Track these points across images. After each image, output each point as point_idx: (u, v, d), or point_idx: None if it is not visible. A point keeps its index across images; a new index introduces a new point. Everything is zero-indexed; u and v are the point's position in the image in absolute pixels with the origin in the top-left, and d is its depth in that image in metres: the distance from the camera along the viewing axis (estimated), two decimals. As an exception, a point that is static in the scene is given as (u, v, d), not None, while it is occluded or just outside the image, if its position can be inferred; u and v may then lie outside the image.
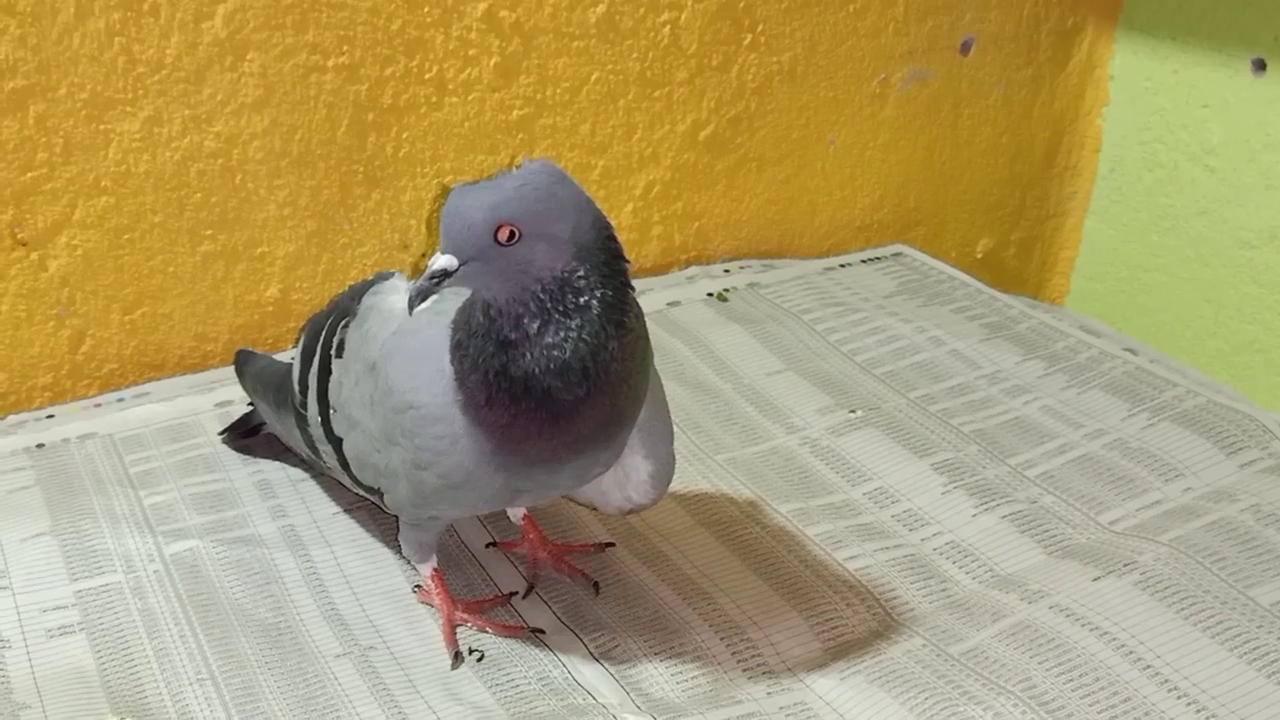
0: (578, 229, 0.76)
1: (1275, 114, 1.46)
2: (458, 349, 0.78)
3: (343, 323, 0.90)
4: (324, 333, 0.92)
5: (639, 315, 0.81)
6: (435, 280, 0.74)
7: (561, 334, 0.75)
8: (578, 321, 0.75)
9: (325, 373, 0.90)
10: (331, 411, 0.90)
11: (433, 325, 0.82)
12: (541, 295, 0.75)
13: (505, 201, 0.73)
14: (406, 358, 0.83)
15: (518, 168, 0.75)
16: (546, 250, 0.74)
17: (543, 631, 0.92)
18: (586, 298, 0.76)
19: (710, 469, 1.11)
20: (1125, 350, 1.30)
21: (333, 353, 0.90)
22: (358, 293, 0.92)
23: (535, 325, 0.75)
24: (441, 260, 0.74)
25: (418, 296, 0.75)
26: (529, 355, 0.75)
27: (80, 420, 1.16)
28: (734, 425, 1.18)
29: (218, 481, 1.07)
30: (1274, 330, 1.51)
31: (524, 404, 0.76)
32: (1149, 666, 0.86)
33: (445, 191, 0.75)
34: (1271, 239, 1.49)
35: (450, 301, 0.82)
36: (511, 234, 0.73)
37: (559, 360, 0.75)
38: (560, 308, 0.75)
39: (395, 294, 0.88)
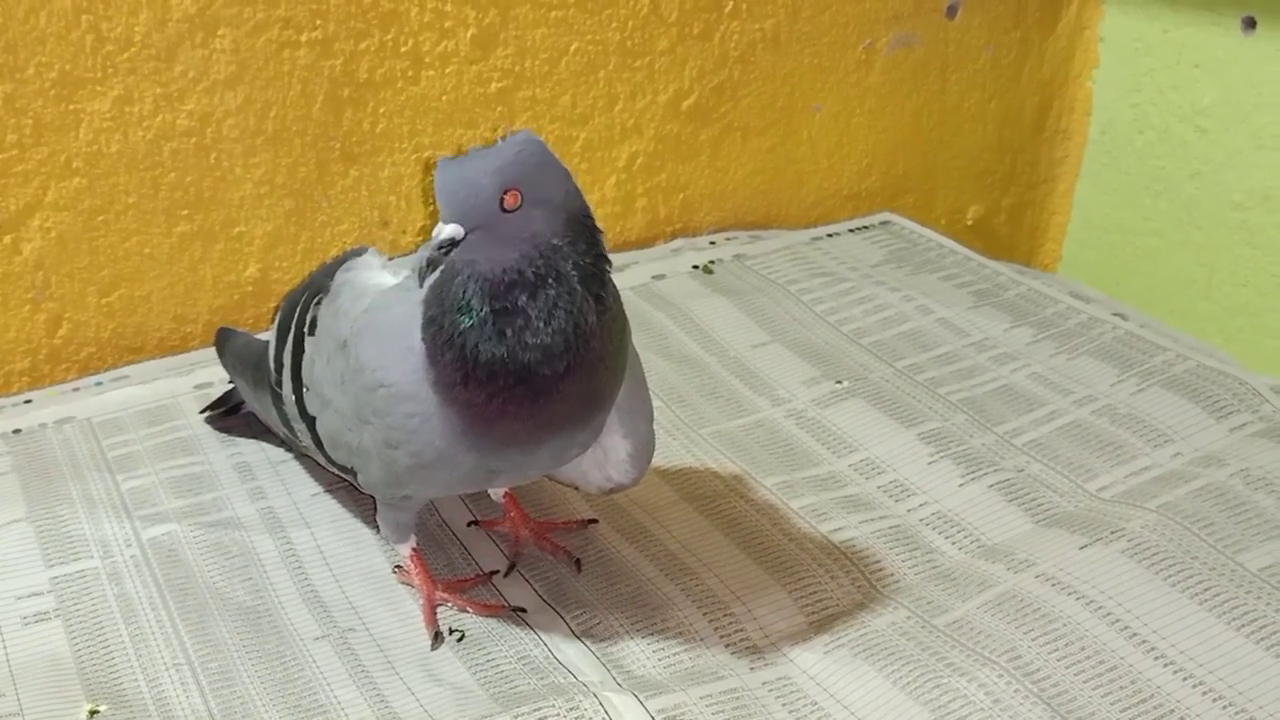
0: (568, 196, 0.76)
1: (1266, 73, 1.44)
2: (430, 325, 0.76)
3: (316, 300, 0.89)
4: (298, 310, 0.91)
5: (615, 293, 0.80)
6: (444, 250, 0.72)
7: (547, 306, 0.74)
8: (564, 292, 0.74)
9: (299, 351, 0.89)
10: (305, 390, 0.88)
11: (403, 302, 0.81)
12: (538, 262, 0.74)
13: (510, 166, 0.72)
14: (377, 335, 0.82)
15: (502, 139, 0.74)
16: (543, 218, 0.74)
17: (524, 610, 0.91)
18: (570, 268, 0.75)
19: (695, 443, 1.10)
20: (1115, 315, 1.29)
21: (306, 330, 0.89)
22: (331, 269, 0.91)
23: (524, 297, 0.74)
24: (448, 229, 0.71)
25: (428, 268, 0.73)
26: (510, 331, 0.74)
27: (58, 405, 1.15)
28: (719, 398, 1.17)
29: (196, 464, 1.06)
30: (1267, 293, 1.50)
31: (501, 381, 0.74)
32: (1136, 635, 0.85)
33: (431, 165, 0.74)
34: (1264, 200, 1.47)
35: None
36: (515, 200, 0.72)
37: (542, 333, 0.74)
38: (551, 277, 0.74)
39: (368, 270, 0.87)
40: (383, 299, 0.83)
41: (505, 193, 0.71)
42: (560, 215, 0.75)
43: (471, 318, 0.74)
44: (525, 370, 0.74)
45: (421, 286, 0.76)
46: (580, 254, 0.76)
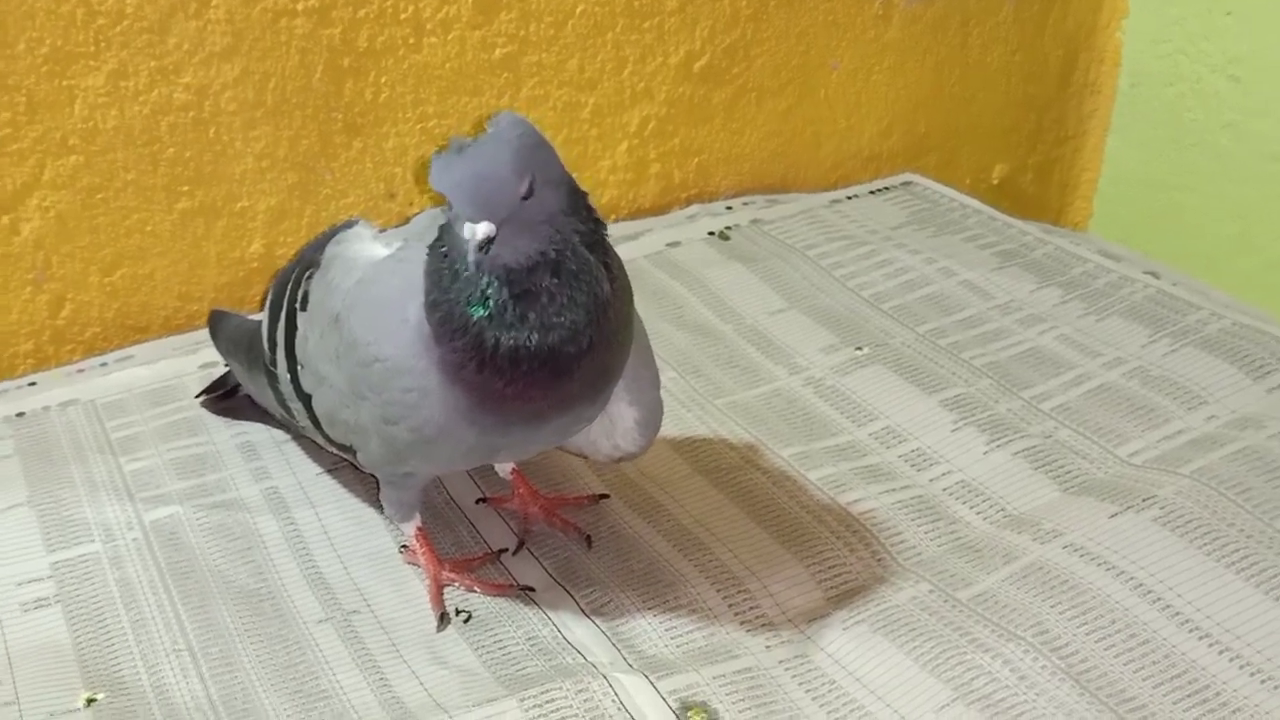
0: (562, 169, 0.74)
1: (1303, 18, 1.39)
2: (434, 309, 0.73)
3: (307, 274, 0.86)
4: (289, 286, 0.88)
5: (618, 259, 0.77)
6: (485, 250, 0.69)
7: (569, 281, 0.72)
8: (581, 265, 0.72)
9: (291, 328, 0.87)
10: (299, 367, 0.86)
11: (397, 274, 0.78)
12: (556, 240, 0.72)
13: (522, 153, 0.70)
14: (371, 308, 0.79)
15: (488, 123, 0.72)
16: (552, 196, 0.72)
17: (533, 589, 0.88)
18: (578, 240, 0.73)
19: (709, 414, 1.07)
20: (1147, 274, 1.24)
21: (298, 306, 0.86)
22: (321, 243, 0.88)
23: (548, 278, 0.71)
24: (481, 229, 0.68)
25: (478, 272, 0.70)
26: (533, 314, 0.71)
27: (62, 387, 1.13)
28: (734, 368, 1.14)
29: (200, 445, 1.04)
30: (1306, 246, 1.45)
31: (525, 366, 0.72)
32: (1169, 606, 0.82)
33: (426, 164, 0.71)
34: (1301, 151, 1.42)
35: (414, 248, 0.77)
36: (532, 185, 0.70)
37: (566, 310, 0.71)
38: (569, 252, 0.72)
39: (359, 241, 0.84)
40: (375, 271, 0.80)
41: (525, 181, 0.69)
42: (562, 189, 0.73)
43: (487, 308, 0.71)
44: (550, 351, 0.72)
45: (489, 310, 0.71)
46: (582, 221, 0.74)
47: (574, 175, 0.75)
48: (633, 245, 1.34)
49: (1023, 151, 1.64)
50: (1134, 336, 1.13)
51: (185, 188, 1.18)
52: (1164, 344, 1.12)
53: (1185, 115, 1.53)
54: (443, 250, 0.73)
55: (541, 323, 0.71)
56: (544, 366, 0.72)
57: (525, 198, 0.69)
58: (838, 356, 1.14)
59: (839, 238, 1.35)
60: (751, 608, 0.86)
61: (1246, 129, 1.46)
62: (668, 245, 1.34)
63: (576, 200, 0.74)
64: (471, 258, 0.69)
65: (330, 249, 0.85)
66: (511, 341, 0.71)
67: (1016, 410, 1.05)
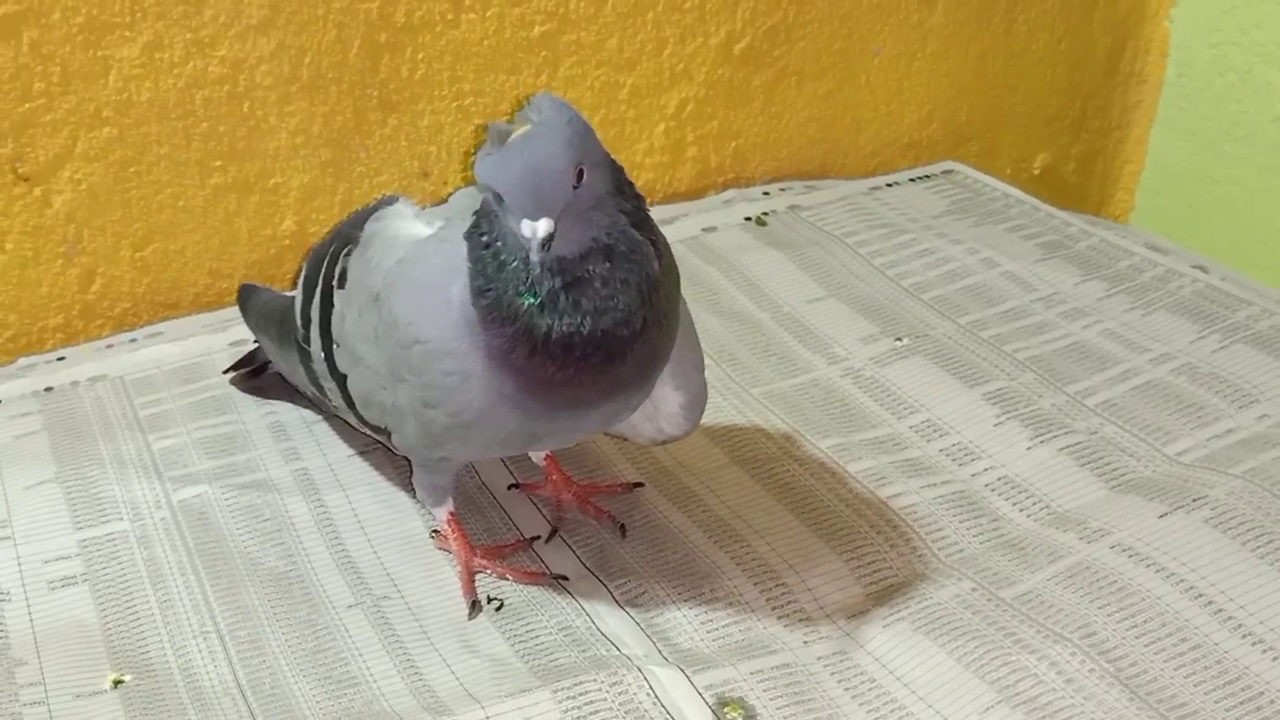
0: (603, 149, 0.71)
1: (1359, 8, 1.35)
2: (481, 296, 0.71)
3: (345, 251, 0.85)
4: (325, 262, 0.86)
5: (663, 236, 0.75)
6: (546, 249, 0.67)
7: (621, 264, 0.70)
8: (631, 246, 0.70)
9: (327, 305, 0.85)
10: (335, 346, 0.84)
11: (440, 253, 0.76)
12: (605, 223, 0.70)
13: (572, 142, 0.67)
14: (412, 288, 0.77)
15: (526, 107, 0.69)
16: (600, 178, 0.70)
17: (565, 578, 0.87)
18: (625, 220, 0.71)
19: (746, 403, 1.05)
20: (1195, 268, 1.21)
21: (334, 283, 0.84)
22: (360, 219, 0.86)
23: (601, 263, 0.69)
24: (541, 226, 0.66)
25: (542, 271, 0.68)
26: (585, 299, 0.69)
27: (91, 362, 1.12)
28: (771, 356, 1.12)
29: (229, 424, 1.03)
30: (1356, 243, 1.41)
31: (578, 352, 0.70)
32: (1220, 610, 0.79)
33: (471, 156, 0.69)
34: (1354, 145, 1.38)
35: (456, 227, 0.76)
36: (581, 173, 0.67)
37: (620, 293, 0.70)
38: (617, 234, 0.70)
39: (400, 219, 0.82)
40: (417, 250, 0.78)
41: (576, 170, 0.67)
42: (606, 171, 0.71)
43: (538, 296, 0.69)
44: (604, 336, 0.70)
45: (540, 297, 0.69)
46: (626, 200, 0.72)
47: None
48: (668, 230, 1.27)
49: (1065, 141, 1.61)
50: (1182, 332, 1.11)
51: (218, 163, 1.16)
52: (1213, 340, 1.09)
53: (1234, 107, 1.49)
54: (483, 238, 0.71)
55: (595, 308, 0.69)
56: (597, 351, 0.70)
57: (576, 187, 0.67)
58: (877, 347, 1.12)
59: (878, 225, 1.32)
60: (789, 602, 0.84)
61: (1298, 122, 1.43)
62: (704, 230, 1.32)
63: (619, 179, 0.72)
64: (535, 257, 0.67)
65: (370, 226, 0.83)
66: (565, 328, 0.69)
67: (1061, 405, 1.02)
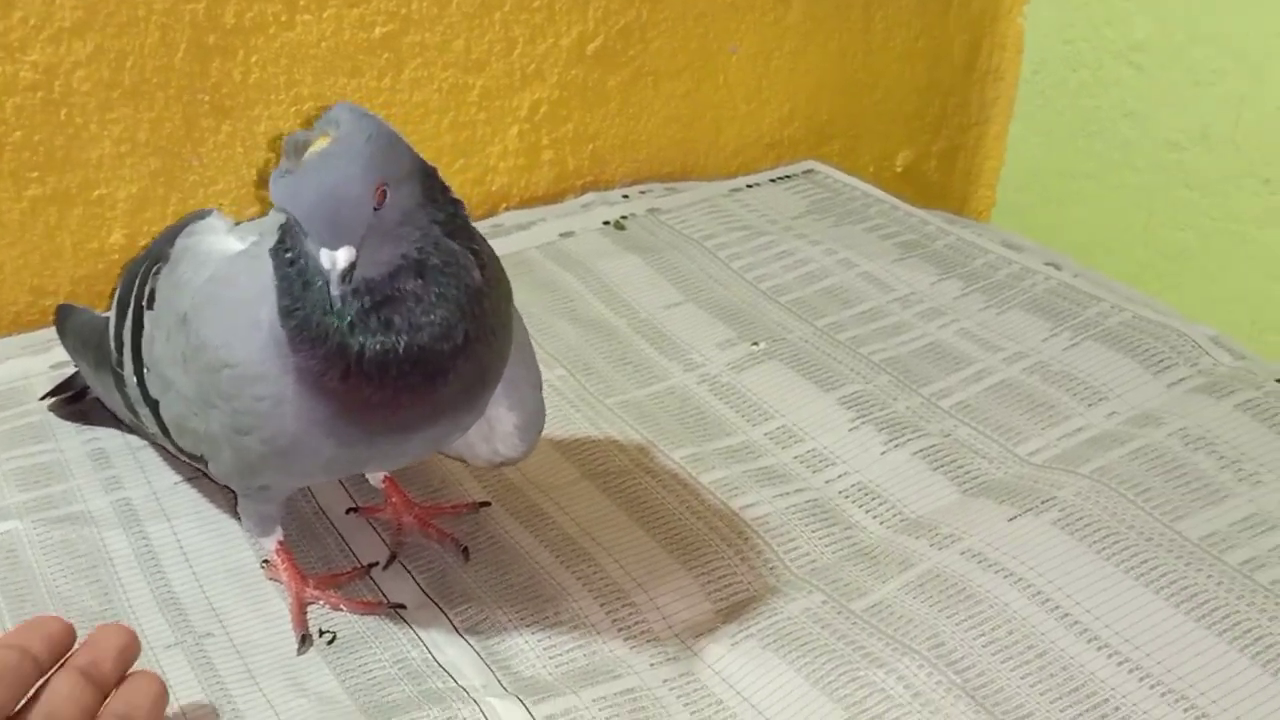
0: (412, 158, 0.67)
1: (1203, 5, 1.37)
2: (288, 317, 0.66)
3: (155, 269, 0.79)
4: (137, 281, 0.81)
5: (488, 245, 0.71)
6: (348, 280, 0.62)
7: (434, 277, 0.65)
8: (445, 257, 0.66)
9: (138, 327, 0.80)
10: (145, 370, 0.79)
11: (250, 271, 0.71)
12: (415, 238, 0.65)
13: (372, 160, 0.62)
14: (220, 308, 0.72)
15: (316, 119, 0.64)
16: (406, 193, 0.65)
17: (404, 607, 0.82)
18: (438, 230, 0.66)
19: (600, 414, 1.02)
20: (1048, 264, 1.22)
21: (145, 303, 0.79)
22: (172, 234, 0.80)
23: (412, 280, 0.65)
24: (341, 256, 0.61)
25: (343, 304, 0.64)
26: (398, 317, 0.65)
27: (-102, 390, 1.04)
28: (627, 365, 1.09)
29: (46, 453, 0.96)
30: (1206, 235, 1.43)
31: (394, 370, 0.65)
32: (1067, 615, 0.79)
33: (264, 184, 0.63)
34: (1202, 139, 1.40)
35: (269, 243, 0.71)
36: (385, 192, 0.62)
37: (435, 307, 0.65)
38: (430, 247, 0.66)
39: (212, 234, 0.77)
40: (227, 268, 0.74)
41: (378, 190, 0.62)
42: (415, 180, 0.66)
43: (346, 317, 0.64)
44: (422, 352, 0.65)
45: (352, 333, 0.65)
46: (439, 208, 0.67)
47: (443, 161, 0.69)
48: (524, 235, 1.28)
49: (927, 139, 1.61)
50: (1035, 330, 1.10)
51: (34, 174, 1.09)
52: (1065, 338, 1.09)
53: (1088, 102, 1.51)
54: (288, 254, 0.67)
55: (409, 324, 0.65)
56: (415, 369, 0.66)
57: (379, 207, 0.63)
58: (734, 352, 1.10)
59: (738, 228, 1.30)
60: (637, 623, 0.81)
61: (1147, 116, 1.45)
62: (560, 235, 1.29)
63: (431, 186, 0.67)
64: (335, 291, 0.62)
65: (181, 241, 0.78)
66: (378, 346, 0.65)
67: (915, 408, 1.01)
